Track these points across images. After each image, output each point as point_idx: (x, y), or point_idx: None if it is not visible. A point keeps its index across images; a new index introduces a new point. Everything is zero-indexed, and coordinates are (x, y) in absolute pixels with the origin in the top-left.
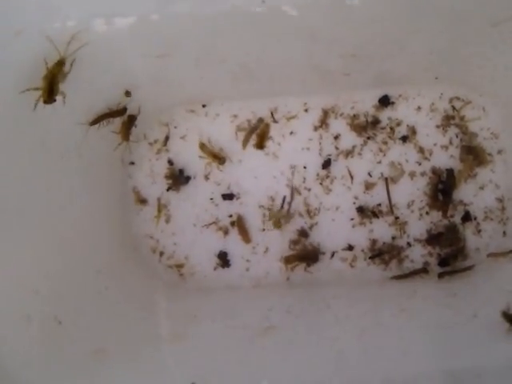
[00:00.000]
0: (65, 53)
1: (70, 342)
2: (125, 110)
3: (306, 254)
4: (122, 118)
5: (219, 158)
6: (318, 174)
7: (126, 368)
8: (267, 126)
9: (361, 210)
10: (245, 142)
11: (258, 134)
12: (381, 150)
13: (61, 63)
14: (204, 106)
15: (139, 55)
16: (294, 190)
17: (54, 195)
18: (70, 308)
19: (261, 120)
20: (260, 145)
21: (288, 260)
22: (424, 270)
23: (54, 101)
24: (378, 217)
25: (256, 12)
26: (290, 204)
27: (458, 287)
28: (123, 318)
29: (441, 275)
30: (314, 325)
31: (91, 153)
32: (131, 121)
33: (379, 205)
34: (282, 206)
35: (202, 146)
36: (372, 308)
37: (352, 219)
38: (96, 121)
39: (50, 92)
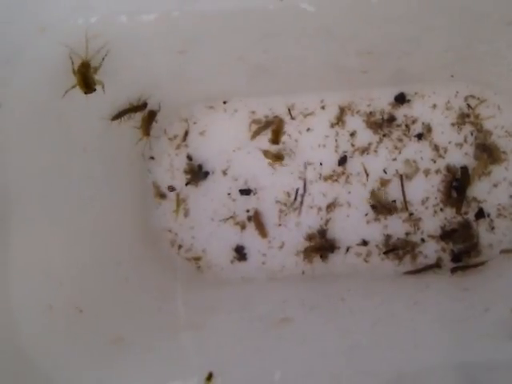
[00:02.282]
0: (86, 53)
1: (90, 331)
2: (145, 105)
3: (322, 245)
4: (142, 114)
5: (279, 157)
6: (333, 171)
7: (143, 356)
8: (281, 121)
9: (375, 206)
10: (254, 134)
11: (273, 130)
12: (396, 148)
13: (85, 64)
14: (225, 102)
15: (160, 51)
16: (308, 183)
17: (76, 188)
18: (90, 298)
19: (276, 117)
20: (275, 140)
21: (306, 252)
22: (437, 265)
23: (95, 90)
24: (392, 213)
25: (274, 9)
26: (302, 196)
27: (470, 282)
28: (142, 308)
29: (454, 270)
30: (328, 317)
31: (112, 147)
32: (151, 116)
33: (394, 201)
34: (295, 198)
35: (266, 153)
36: (385, 301)
37: (366, 215)
38: (117, 116)
39: (87, 85)
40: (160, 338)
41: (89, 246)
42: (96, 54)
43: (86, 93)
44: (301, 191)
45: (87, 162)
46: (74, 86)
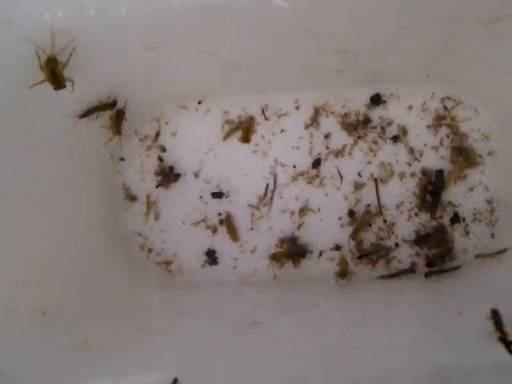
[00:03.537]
0: (52, 48)
1: (55, 334)
2: (115, 103)
3: (292, 251)
4: (111, 112)
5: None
6: (307, 173)
7: (109, 359)
8: (253, 119)
9: (351, 213)
10: (227, 135)
11: (244, 128)
12: (371, 150)
13: (51, 60)
14: (200, 102)
15: (131, 48)
16: (278, 180)
17: (42, 187)
18: (55, 300)
19: (250, 117)
20: (245, 138)
21: (275, 257)
22: (411, 270)
23: (64, 86)
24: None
25: (248, 6)
26: (273, 192)
27: (444, 286)
28: (109, 311)
29: (428, 275)
30: (300, 321)
31: (80, 146)
32: (120, 115)
33: (368, 205)
34: (265, 194)
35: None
36: (358, 305)
37: (340, 219)
38: (85, 114)
39: (56, 81)
40: (128, 341)
41: (54, 248)
42: (63, 50)
43: (55, 89)
44: (271, 187)
45: (54, 160)
46: (42, 81)
